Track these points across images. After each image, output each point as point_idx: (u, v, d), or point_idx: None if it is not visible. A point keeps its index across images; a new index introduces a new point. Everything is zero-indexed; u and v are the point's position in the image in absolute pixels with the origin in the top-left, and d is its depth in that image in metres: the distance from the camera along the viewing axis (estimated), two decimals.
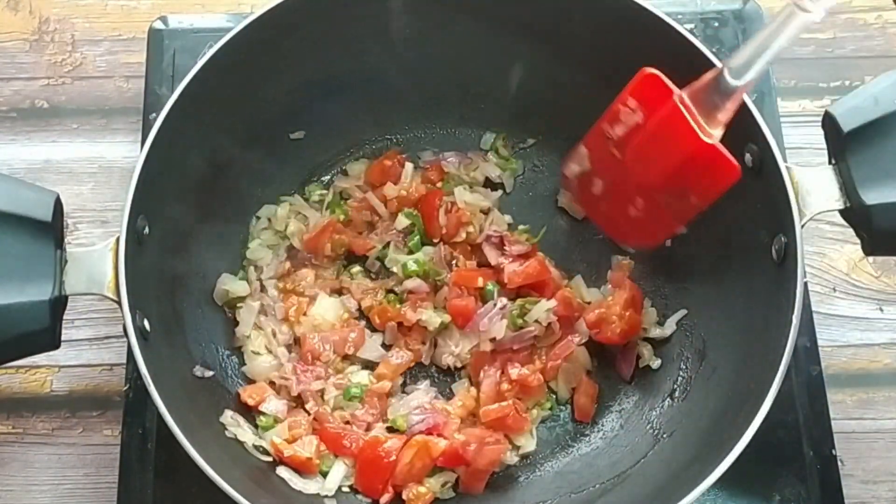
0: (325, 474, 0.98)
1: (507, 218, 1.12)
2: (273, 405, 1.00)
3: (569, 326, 1.05)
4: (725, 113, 0.84)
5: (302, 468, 0.97)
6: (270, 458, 0.97)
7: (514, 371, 1.02)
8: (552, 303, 1.04)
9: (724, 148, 0.85)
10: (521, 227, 1.11)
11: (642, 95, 0.88)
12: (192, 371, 0.99)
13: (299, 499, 0.95)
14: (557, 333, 1.04)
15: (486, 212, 1.12)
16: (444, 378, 1.07)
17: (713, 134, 0.84)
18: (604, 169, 0.96)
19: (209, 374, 1.00)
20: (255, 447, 0.97)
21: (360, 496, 0.99)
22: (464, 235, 1.09)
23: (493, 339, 1.03)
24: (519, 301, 1.05)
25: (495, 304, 1.04)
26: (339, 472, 0.98)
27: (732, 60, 0.81)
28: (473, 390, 1.04)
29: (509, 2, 1.03)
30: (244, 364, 1.04)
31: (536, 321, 1.03)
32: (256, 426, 1.00)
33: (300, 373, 1.02)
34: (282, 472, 0.96)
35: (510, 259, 1.07)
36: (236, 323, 1.05)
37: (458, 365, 1.05)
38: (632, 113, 0.88)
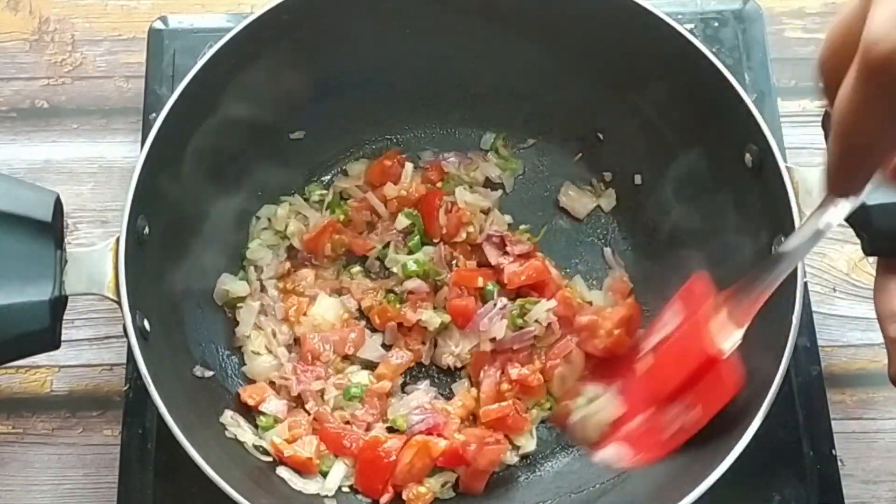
0: (325, 474, 0.98)
1: (507, 218, 1.12)
2: (273, 405, 1.00)
3: (568, 326, 1.05)
4: (754, 306, 0.81)
5: (302, 468, 0.97)
6: (270, 459, 0.97)
7: (514, 371, 1.02)
8: (552, 303, 1.04)
9: (733, 359, 0.83)
10: (521, 226, 1.11)
11: (688, 299, 0.87)
12: (192, 371, 0.99)
13: (299, 499, 0.95)
14: (557, 333, 1.04)
15: (486, 212, 1.12)
16: (444, 378, 1.07)
17: (737, 333, 0.82)
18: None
19: (209, 374, 1.01)
20: (255, 447, 0.97)
21: (360, 496, 0.99)
22: (464, 235, 1.09)
23: (493, 340, 1.03)
24: (519, 301, 1.05)
25: (495, 304, 1.04)
26: (339, 472, 0.98)
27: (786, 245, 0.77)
28: (473, 390, 1.04)
29: (509, 2, 1.03)
30: (244, 364, 1.04)
31: (536, 321, 1.03)
32: (256, 426, 1.00)
33: (300, 373, 1.02)
34: (282, 472, 0.96)
35: (511, 259, 1.07)
36: (236, 323, 1.05)
37: (458, 365, 1.05)
38: (673, 317, 0.89)
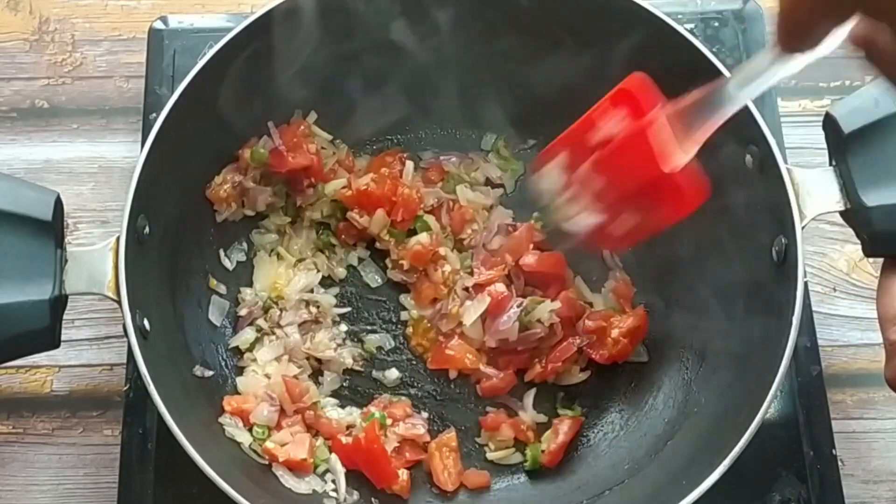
0: (318, 469, 0.98)
1: (510, 212, 1.12)
2: (264, 414, 0.99)
3: (570, 328, 1.05)
4: (704, 132, 0.79)
5: (297, 468, 0.97)
6: (267, 461, 0.97)
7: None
8: (556, 304, 1.04)
9: (692, 169, 0.80)
10: (535, 214, 1.11)
11: (627, 102, 0.84)
12: (192, 371, 0.99)
13: (300, 499, 0.95)
14: (559, 335, 1.04)
15: (488, 209, 1.12)
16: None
17: (683, 157, 0.79)
18: (573, 169, 0.91)
19: (209, 373, 1.01)
20: (252, 448, 0.97)
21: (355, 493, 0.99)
22: (469, 232, 1.09)
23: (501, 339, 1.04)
24: (527, 299, 1.05)
25: (515, 305, 1.04)
26: (338, 467, 0.98)
27: (736, 77, 0.76)
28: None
29: (509, 3, 1.03)
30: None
31: (539, 321, 1.03)
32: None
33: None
34: (277, 469, 0.96)
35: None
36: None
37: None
38: (613, 118, 0.85)
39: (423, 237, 1.07)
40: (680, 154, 0.78)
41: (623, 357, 1.03)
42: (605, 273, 1.10)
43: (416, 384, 1.06)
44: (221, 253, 1.07)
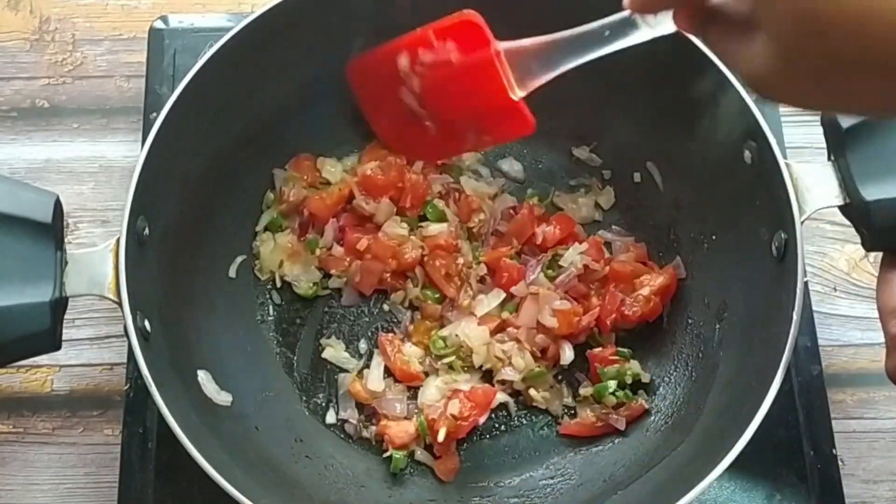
0: None
1: (514, 199, 1.13)
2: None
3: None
4: (537, 82, 0.85)
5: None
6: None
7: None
8: (583, 245, 1.05)
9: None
10: (529, 191, 1.12)
11: (460, 36, 0.88)
12: (193, 371, 0.99)
13: (300, 498, 0.95)
14: (603, 270, 1.05)
15: (492, 198, 1.12)
16: None
17: (521, 92, 0.85)
18: (391, 86, 0.96)
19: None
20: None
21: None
22: (476, 221, 1.10)
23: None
24: (549, 252, 1.06)
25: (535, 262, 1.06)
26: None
27: (578, 33, 0.81)
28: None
29: (509, 2, 1.02)
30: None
31: (571, 264, 1.05)
32: None
33: None
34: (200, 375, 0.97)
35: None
36: None
37: None
38: (443, 48, 0.89)
39: (442, 227, 1.07)
40: (519, 89, 0.85)
41: (654, 315, 1.03)
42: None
43: None
44: (222, 253, 1.08)
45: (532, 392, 1.03)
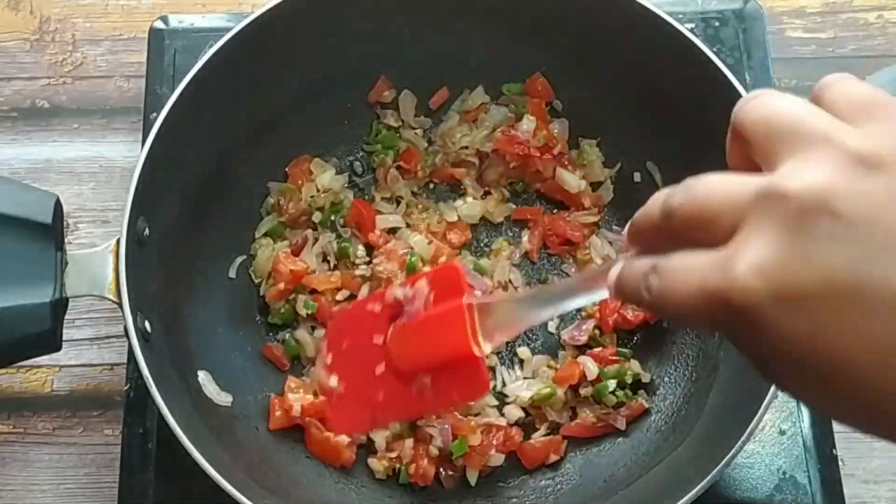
0: None
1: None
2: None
3: None
4: (501, 337, 0.79)
5: None
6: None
7: None
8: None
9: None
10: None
11: (438, 285, 0.82)
12: (194, 371, 0.99)
13: (302, 499, 0.95)
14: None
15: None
16: None
17: (488, 347, 0.77)
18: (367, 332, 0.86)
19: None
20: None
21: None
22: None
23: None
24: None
25: None
26: None
27: (540, 296, 0.75)
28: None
29: (508, 1, 1.03)
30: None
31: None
32: None
33: None
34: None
35: None
36: None
37: None
38: (422, 296, 0.82)
39: None
40: (485, 343, 0.77)
41: (654, 316, 1.03)
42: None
43: None
44: (222, 253, 1.08)
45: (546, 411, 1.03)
